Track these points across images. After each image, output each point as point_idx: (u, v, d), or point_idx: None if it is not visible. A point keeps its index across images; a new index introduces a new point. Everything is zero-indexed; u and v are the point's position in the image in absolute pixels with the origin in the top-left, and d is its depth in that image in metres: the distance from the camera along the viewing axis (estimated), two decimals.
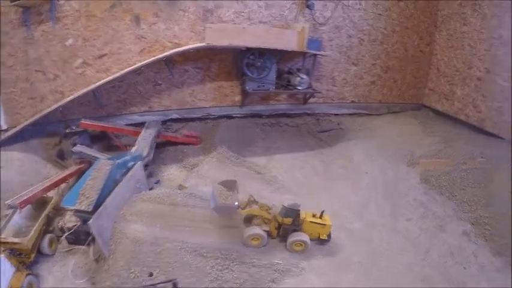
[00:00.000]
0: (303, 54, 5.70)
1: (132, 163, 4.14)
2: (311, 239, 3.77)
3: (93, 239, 3.44)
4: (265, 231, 3.70)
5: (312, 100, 6.29)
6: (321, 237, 3.89)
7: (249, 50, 5.22)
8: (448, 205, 4.87)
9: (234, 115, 5.91)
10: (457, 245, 4.27)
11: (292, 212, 3.69)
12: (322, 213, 3.83)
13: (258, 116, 6.07)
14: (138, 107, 5.44)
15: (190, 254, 3.41)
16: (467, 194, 4.97)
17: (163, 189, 4.29)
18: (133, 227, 3.53)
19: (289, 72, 5.82)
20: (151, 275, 3.21)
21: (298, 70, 5.81)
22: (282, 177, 5.03)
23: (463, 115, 7.02)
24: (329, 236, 3.87)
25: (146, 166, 4.51)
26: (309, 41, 5.46)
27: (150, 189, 4.35)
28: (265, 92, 5.69)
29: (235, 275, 3.35)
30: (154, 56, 4.96)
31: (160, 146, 5.26)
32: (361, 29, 6.30)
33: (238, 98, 5.83)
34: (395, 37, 6.66)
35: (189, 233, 3.62)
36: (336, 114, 6.62)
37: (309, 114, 6.41)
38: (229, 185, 3.88)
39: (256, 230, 3.67)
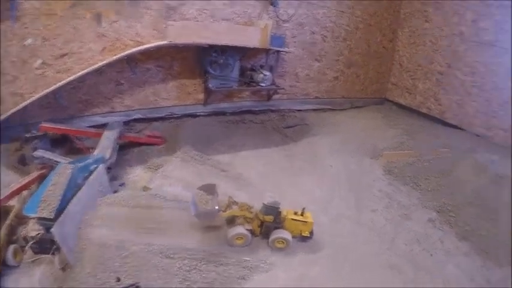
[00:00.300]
0: (266, 51, 5.84)
1: (95, 166, 4.13)
2: (293, 237, 3.87)
3: (58, 247, 3.38)
4: (248, 230, 3.79)
5: (276, 96, 6.48)
6: (302, 234, 3.93)
7: (212, 48, 5.33)
8: (412, 194, 5.16)
9: (198, 113, 5.99)
10: (422, 232, 4.53)
11: (273, 210, 3.80)
12: (303, 210, 3.94)
13: (222, 113, 6.19)
14: (100, 107, 5.43)
15: (157, 256, 3.45)
16: (431, 183, 5.30)
17: (127, 192, 4.33)
18: (98, 232, 3.54)
19: (253, 69, 5.98)
20: (118, 280, 3.19)
21: (261, 67, 5.97)
22: (247, 174, 5.13)
23: (425, 108, 7.52)
24: (311, 233, 3.97)
25: (109, 169, 4.53)
26: (272, 37, 5.61)
27: (115, 192, 4.36)
28: (228, 89, 5.84)
29: (203, 275, 3.41)
30: (115, 55, 4.98)
31: (124, 147, 5.26)
32: (324, 26, 6.53)
33: (201, 96, 5.92)
34: (359, 34, 6.94)
35: (155, 235, 3.67)
36: (300, 110, 6.84)
37: (273, 111, 6.59)
38: (209, 189, 3.97)
39: (239, 229, 3.77)
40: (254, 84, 5.92)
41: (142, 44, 5.20)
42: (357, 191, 5.18)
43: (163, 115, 5.83)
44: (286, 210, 3.93)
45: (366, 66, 7.39)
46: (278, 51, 6.03)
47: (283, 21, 6.07)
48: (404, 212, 4.82)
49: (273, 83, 6.11)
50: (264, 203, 3.85)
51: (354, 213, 4.69)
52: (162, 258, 3.44)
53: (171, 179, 4.70)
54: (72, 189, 3.64)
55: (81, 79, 5.01)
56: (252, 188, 4.87)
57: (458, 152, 5.75)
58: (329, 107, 7.22)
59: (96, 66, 4.93)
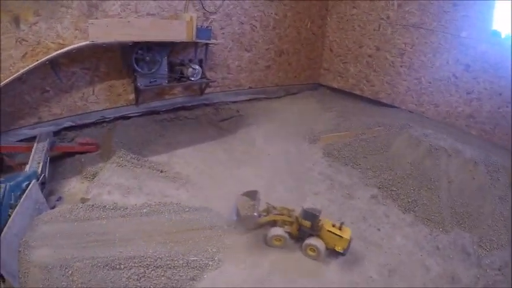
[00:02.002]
0: (195, 44, 6.37)
1: (27, 183, 4.19)
2: (327, 248, 4.24)
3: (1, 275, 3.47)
4: (287, 232, 4.29)
5: (208, 90, 7.08)
6: (335, 248, 4.21)
7: (137, 45, 5.68)
8: (353, 174, 5.99)
9: (130, 115, 6.33)
10: (367, 209, 5.30)
11: (311, 216, 4.20)
12: (341, 224, 4.26)
13: (155, 112, 6.61)
14: (27, 119, 5.52)
15: (103, 269, 3.67)
16: (369, 161, 6.18)
17: (65, 206, 4.50)
18: (39, 252, 3.68)
19: (182, 64, 6.46)
20: None
21: (190, 61, 6.50)
22: (185, 172, 5.57)
23: (358, 90, 8.73)
24: (346, 249, 4.25)
25: (43, 184, 4.63)
26: (199, 30, 6.11)
27: (53, 208, 4.49)
28: (159, 86, 6.31)
29: (153, 281, 3.69)
30: (37, 60, 5.14)
31: (57, 158, 5.44)
32: (253, 16, 7.24)
33: (132, 96, 6.29)
34: (288, 22, 7.77)
35: (98, 248, 3.88)
36: (234, 102, 7.52)
37: (207, 105, 7.17)
38: (251, 195, 4.51)
39: (279, 231, 4.25)
40: (184, 79, 6.42)
41: (65, 46, 5.36)
42: (297, 176, 5.84)
43: (94, 120, 6.05)
44: (325, 220, 4.30)
45: (297, 53, 8.22)
46: (207, 44, 6.55)
47: (210, 13, 6.63)
48: (346, 192, 5.59)
49: (204, 77, 6.66)
50: (303, 208, 4.28)
51: (296, 198, 5.23)
52: (109, 271, 3.66)
53: (109, 187, 4.95)
54: (5, 211, 3.77)
55: (3, 90, 5.04)
56: (191, 186, 5.31)
57: (393, 129, 6.64)
58: (263, 96, 7.98)
59: (18, 73, 5.01)
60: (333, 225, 4.25)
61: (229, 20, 6.99)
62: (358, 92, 8.82)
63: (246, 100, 7.75)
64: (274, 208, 4.53)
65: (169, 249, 4.04)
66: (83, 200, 4.74)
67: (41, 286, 3.44)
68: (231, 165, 5.96)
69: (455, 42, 7.05)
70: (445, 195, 5.53)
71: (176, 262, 3.92)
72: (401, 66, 7.99)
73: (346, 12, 8.36)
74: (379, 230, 5.04)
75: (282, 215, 4.44)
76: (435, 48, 7.36)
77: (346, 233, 4.20)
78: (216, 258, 4.13)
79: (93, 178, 5.19)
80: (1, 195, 3.82)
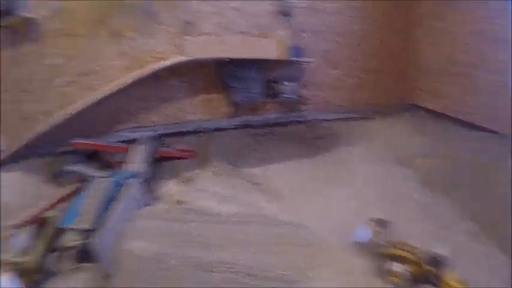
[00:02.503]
0: (287, 62, 6.42)
1: (130, 180, 4.56)
2: None
3: (97, 258, 3.78)
4: (408, 271, 3.79)
5: (301, 107, 7.03)
6: None
7: (232, 61, 5.87)
8: (449, 203, 5.34)
9: (226, 127, 6.43)
10: (463, 243, 4.59)
11: (436, 262, 3.74)
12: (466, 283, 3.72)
13: (250, 126, 6.63)
14: (128, 123, 5.95)
15: (196, 270, 3.66)
16: (468, 190, 5.43)
17: (162, 205, 4.74)
18: (136, 244, 3.83)
19: (275, 81, 6.50)
20: None
21: (283, 78, 6.52)
22: (278, 186, 5.47)
23: (455, 112, 7.95)
24: None
25: (144, 182, 4.94)
26: (290, 48, 6.24)
27: (149, 205, 4.73)
28: (253, 102, 6.38)
29: None
30: (138, 72, 5.54)
31: (155, 161, 5.68)
32: (339, 32, 7.19)
33: (228, 109, 6.44)
34: (375, 38, 7.61)
35: (192, 249, 3.89)
36: (326, 120, 7.31)
37: (299, 122, 7.06)
38: (382, 223, 4.24)
39: (399, 267, 3.81)
40: (278, 96, 6.44)
41: (163, 60, 5.73)
42: (390, 201, 5.38)
43: (191, 129, 6.26)
44: (451, 272, 3.72)
45: (386, 71, 7.97)
46: (298, 62, 6.59)
47: (298, 30, 6.68)
48: (441, 223, 4.95)
49: (297, 94, 6.65)
50: (430, 250, 3.81)
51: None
52: (201, 272, 3.64)
53: (205, 193, 5.03)
54: (108, 202, 4.07)
55: (108, 96, 5.49)
56: (284, 200, 5.19)
57: (492, 156, 5.91)
58: (354, 115, 7.69)
59: (120, 84, 5.45)
60: (458, 281, 3.65)
61: (317, 37, 6.99)
62: (455, 115, 8.12)
63: (337, 119, 7.50)
64: (400, 243, 4.05)
65: (261, 260, 3.87)
66: (179, 202, 4.83)
67: (133, 274, 3.56)
68: (323, 183, 5.72)
69: None
70: None
71: (267, 273, 3.72)
72: (500, 85, 7.39)
73: (437, 26, 7.92)
74: (476, 269, 4.28)
75: (405, 251, 3.95)
76: None
77: None
78: (308, 275, 3.84)
79: (189, 183, 5.35)
80: (108, 188, 4.16)
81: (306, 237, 4.38)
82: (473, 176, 5.67)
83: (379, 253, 4.04)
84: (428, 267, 3.72)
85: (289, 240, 4.28)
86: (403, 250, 3.92)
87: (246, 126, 6.63)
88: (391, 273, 3.83)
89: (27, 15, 5.16)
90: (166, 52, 5.81)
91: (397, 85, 8.23)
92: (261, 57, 6.03)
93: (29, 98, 5.39)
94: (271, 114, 6.89)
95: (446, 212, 5.22)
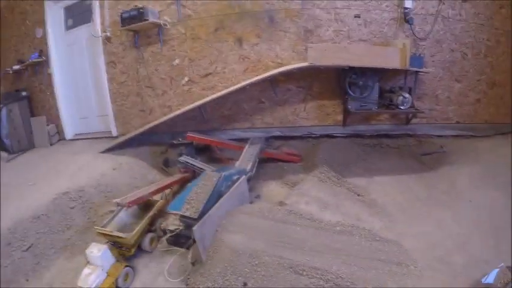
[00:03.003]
0: (405, 72, 6.25)
1: (237, 176, 4.88)
2: None
3: (193, 244, 4.14)
4: None
5: (414, 120, 6.77)
6: None
7: (351, 69, 5.87)
8: None
9: (336, 134, 6.50)
10: None
11: None
12: None
13: (360, 136, 6.60)
14: (241, 123, 6.39)
15: (287, 269, 3.79)
16: None
17: (264, 204, 5.04)
18: (234, 237, 4.09)
19: (391, 91, 6.35)
20: (245, 284, 3.66)
21: (400, 88, 6.33)
22: (381, 201, 5.39)
23: None
24: None
25: (248, 180, 5.22)
26: (411, 58, 6.02)
27: (251, 202, 5.07)
28: (368, 111, 6.30)
29: None
30: (257, 75, 5.83)
31: (261, 161, 5.94)
32: (463, 42, 6.77)
33: (340, 117, 6.46)
34: (501, 48, 7.03)
35: (287, 249, 4.03)
36: (439, 136, 7.00)
37: (410, 135, 6.86)
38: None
39: None
40: (393, 106, 6.26)
41: (283, 65, 5.98)
42: (499, 232, 4.95)
43: (301, 134, 6.48)
44: None
45: (510, 86, 7.44)
46: (417, 72, 6.33)
47: (420, 39, 6.44)
48: None
49: (412, 106, 6.39)
50: None
51: (492, 258, 4.44)
52: (291, 273, 3.75)
53: (307, 197, 5.12)
54: (215, 195, 4.41)
55: (225, 96, 5.94)
56: (386, 216, 5.10)
57: None
58: (470, 133, 7.26)
59: (239, 85, 5.81)
60: None
61: (440, 46, 6.67)
62: None
63: (451, 135, 7.13)
64: None
65: (352, 272, 3.87)
66: (281, 204, 5.01)
67: (226, 265, 3.80)
68: (429, 203, 5.47)
69: None
70: None
71: (355, 286, 3.73)
72: None
73: None
74: None
75: None
76: None
77: None
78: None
79: (293, 186, 5.54)
80: (216, 182, 4.45)
81: (399, 256, 4.32)
82: None
83: None
84: None
85: (384, 257, 4.24)
86: None
87: (356, 135, 6.61)
88: None
89: (156, 20, 5.97)
90: (286, 58, 6.05)
91: None
92: (384, 67, 5.91)
93: (151, 93, 6.11)
94: (383, 125, 6.76)
95: None
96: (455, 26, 6.68)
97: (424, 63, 6.35)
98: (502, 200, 5.58)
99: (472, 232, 4.94)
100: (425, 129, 6.97)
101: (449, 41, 6.72)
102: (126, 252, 4.37)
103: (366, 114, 6.52)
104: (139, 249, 4.54)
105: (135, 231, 4.31)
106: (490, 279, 3.85)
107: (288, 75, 6.07)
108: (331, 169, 5.71)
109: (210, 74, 6.13)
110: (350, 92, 6.01)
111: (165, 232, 4.63)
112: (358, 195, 5.45)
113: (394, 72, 6.31)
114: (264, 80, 5.90)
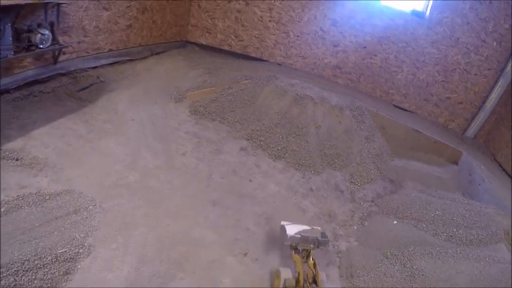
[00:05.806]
0: (44, 5, 5.70)
1: None
2: None
3: None
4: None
5: (62, 57, 6.48)
6: None
7: None
8: (220, 129, 6.30)
9: None
10: (237, 161, 5.62)
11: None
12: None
13: (6, 91, 5.83)
14: None
15: None
16: (237, 114, 6.51)
17: None
18: None
19: (29, 31, 5.72)
20: None
21: (39, 25, 5.80)
22: (43, 155, 5.07)
23: (226, 45, 9.11)
24: None
25: None
26: None
27: None
28: (4, 60, 5.50)
29: (26, 287, 3.39)
30: None
31: None
32: None
33: None
34: None
35: None
36: (94, 67, 7.04)
37: (63, 74, 6.59)
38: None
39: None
40: (33, 47, 5.76)
41: None
42: (164, 138, 5.88)
43: None
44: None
45: (162, 10, 7.97)
46: (58, 4, 5.93)
47: None
48: (215, 148, 5.86)
49: (56, 42, 6.08)
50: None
51: (164, 162, 5.33)
52: None
53: None
54: None
55: None
56: (51, 169, 4.89)
57: (260, 81, 7.09)
58: (127, 58, 7.65)
59: None
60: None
61: None
62: (226, 48, 9.24)
63: (107, 64, 7.32)
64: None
65: (35, 247, 3.68)
66: None
67: None
68: (92, 137, 5.64)
69: None
70: (314, 140, 6.18)
71: (45, 260, 3.60)
72: (269, 20, 8.50)
73: None
74: (250, 181, 5.42)
75: None
76: (303, 4, 8.07)
77: None
78: (86, 244, 3.92)
79: None
80: None
81: (75, 203, 4.36)
82: (243, 101, 6.82)
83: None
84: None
85: (60, 212, 4.16)
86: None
87: (1, 92, 5.79)
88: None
89: None
90: None
91: (173, 24, 8.47)
92: (14, 3, 5.19)
93: None
94: (29, 71, 6.19)
95: (218, 136, 6.14)
96: None
97: None
98: (158, 111, 6.59)
99: (139, 148, 5.59)
100: (77, 63, 6.86)
101: None
102: None
103: (4, 64, 5.73)
104: None
105: None
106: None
107: None
108: None
109: None
110: None
111: None
112: (17, 159, 4.91)
113: (32, 8, 5.68)
114: None
